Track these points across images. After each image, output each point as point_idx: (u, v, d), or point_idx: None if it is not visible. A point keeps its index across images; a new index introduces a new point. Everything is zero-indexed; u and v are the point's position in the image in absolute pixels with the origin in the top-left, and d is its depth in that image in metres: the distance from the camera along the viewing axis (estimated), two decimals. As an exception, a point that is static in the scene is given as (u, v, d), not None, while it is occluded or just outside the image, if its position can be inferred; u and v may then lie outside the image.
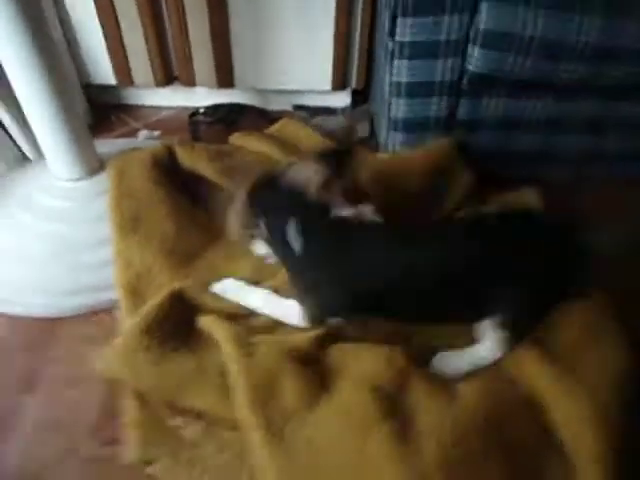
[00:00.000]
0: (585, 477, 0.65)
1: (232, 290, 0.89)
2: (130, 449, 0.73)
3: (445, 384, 0.77)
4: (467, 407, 0.72)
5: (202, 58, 1.40)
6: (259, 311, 0.86)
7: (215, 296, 0.89)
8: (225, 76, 1.44)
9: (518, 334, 0.76)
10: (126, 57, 1.41)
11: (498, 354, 0.77)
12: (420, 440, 0.68)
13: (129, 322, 0.84)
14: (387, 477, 0.65)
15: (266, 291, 0.88)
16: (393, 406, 0.72)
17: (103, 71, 1.45)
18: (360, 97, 1.55)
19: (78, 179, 1.04)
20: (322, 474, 0.66)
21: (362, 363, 0.78)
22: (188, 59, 1.41)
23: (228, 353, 0.78)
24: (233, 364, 0.76)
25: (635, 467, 0.67)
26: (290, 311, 0.83)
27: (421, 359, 0.80)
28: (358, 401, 0.72)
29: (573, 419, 0.70)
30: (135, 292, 0.90)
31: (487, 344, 0.77)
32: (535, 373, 0.75)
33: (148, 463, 0.73)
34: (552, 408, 0.72)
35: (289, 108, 1.55)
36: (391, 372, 0.76)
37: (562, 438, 0.70)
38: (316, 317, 0.81)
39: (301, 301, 0.81)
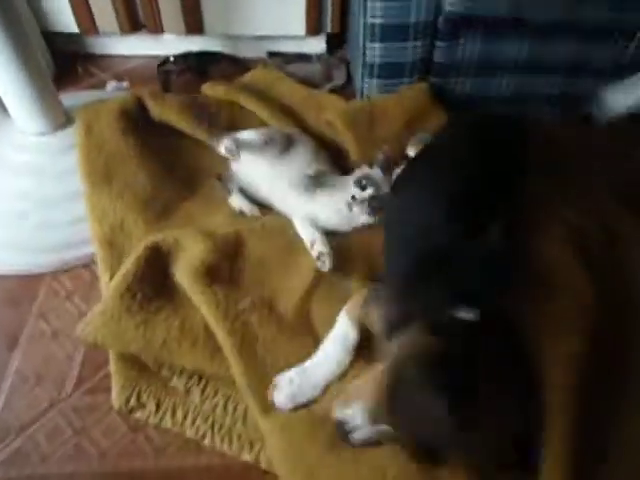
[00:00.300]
0: (549, 379, 0.69)
1: None
2: (115, 396, 0.75)
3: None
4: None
5: (169, 3, 1.33)
6: None
7: (191, 244, 0.87)
8: (194, 22, 1.38)
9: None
10: (88, 2, 1.34)
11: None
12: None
13: (109, 282, 0.84)
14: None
15: None
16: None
17: (64, 18, 1.37)
18: (336, 43, 1.51)
19: (45, 133, 1.01)
20: (318, 424, 0.68)
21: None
22: (154, 4, 1.34)
23: (217, 330, 0.76)
24: (224, 340, 0.75)
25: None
26: None
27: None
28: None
29: (537, 328, 0.73)
30: (111, 246, 0.90)
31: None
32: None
33: (133, 410, 0.75)
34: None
35: (263, 55, 1.50)
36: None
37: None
38: None
39: None
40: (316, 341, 0.76)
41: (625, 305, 0.83)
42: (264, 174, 0.97)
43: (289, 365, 0.74)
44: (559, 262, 0.82)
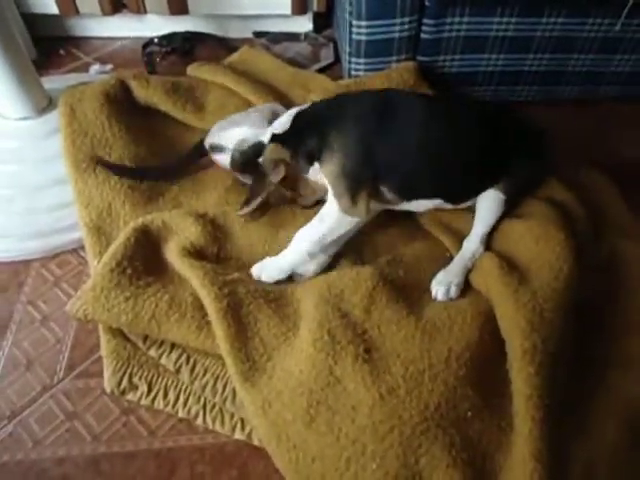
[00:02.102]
0: (514, 373, 0.70)
1: (272, 266, 0.84)
2: (107, 379, 0.76)
3: (412, 304, 0.80)
4: (431, 327, 0.75)
5: (151, -18, 1.31)
6: (311, 253, 0.82)
7: (180, 226, 0.87)
8: (177, 1, 1.35)
9: (513, 197, 0.90)
10: (68, -18, 1.31)
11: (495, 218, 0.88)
12: (386, 360, 0.72)
13: (98, 264, 0.83)
14: (356, 395, 0.68)
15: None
16: (359, 330, 0.75)
17: (43, -1, 1.34)
18: (322, 22, 1.49)
19: (27, 118, 0.99)
20: (297, 398, 0.69)
21: (329, 288, 0.79)
22: (136, -17, 1.31)
23: (204, 296, 0.77)
24: (210, 304, 0.76)
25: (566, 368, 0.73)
26: (330, 211, 0.82)
27: (394, 274, 0.83)
28: (327, 328, 0.74)
29: (509, 319, 0.74)
30: (99, 230, 0.89)
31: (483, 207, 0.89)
32: (492, 282, 0.79)
33: (125, 392, 0.75)
34: (498, 312, 0.77)
35: (249, 35, 1.48)
36: (358, 295, 0.78)
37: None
38: (352, 190, 0.80)
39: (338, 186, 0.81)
40: (300, 318, 0.77)
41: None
42: None
43: (272, 334, 0.74)
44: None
